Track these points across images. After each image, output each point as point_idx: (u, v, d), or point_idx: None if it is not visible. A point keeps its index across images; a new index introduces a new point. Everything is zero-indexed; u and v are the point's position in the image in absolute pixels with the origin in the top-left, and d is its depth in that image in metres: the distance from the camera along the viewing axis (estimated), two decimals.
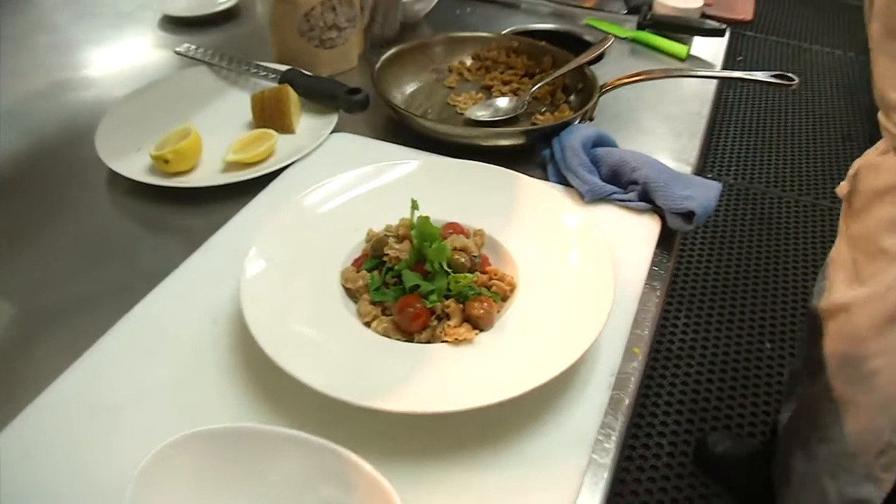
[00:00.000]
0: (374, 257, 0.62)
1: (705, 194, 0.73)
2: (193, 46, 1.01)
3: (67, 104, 0.96)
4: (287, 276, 0.60)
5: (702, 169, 0.90)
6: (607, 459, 0.54)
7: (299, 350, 0.53)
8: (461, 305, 0.57)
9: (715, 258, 2.11)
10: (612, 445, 0.55)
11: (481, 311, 0.56)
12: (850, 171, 0.97)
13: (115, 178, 0.79)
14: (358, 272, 0.61)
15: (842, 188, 0.98)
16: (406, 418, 0.50)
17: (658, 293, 0.69)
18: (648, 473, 1.50)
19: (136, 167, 0.79)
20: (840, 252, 0.97)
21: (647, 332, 0.65)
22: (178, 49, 1.01)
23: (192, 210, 0.77)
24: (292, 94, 0.86)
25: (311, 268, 0.61)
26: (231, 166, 0.80)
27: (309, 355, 0.53)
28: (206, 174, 0.80)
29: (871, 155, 0.95)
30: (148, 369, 0.58)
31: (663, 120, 0.96)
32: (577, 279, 0.61)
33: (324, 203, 0.67)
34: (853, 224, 0.93)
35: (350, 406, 0.49)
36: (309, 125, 0.87)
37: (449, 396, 0.50)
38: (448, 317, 0.57)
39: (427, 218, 0.58)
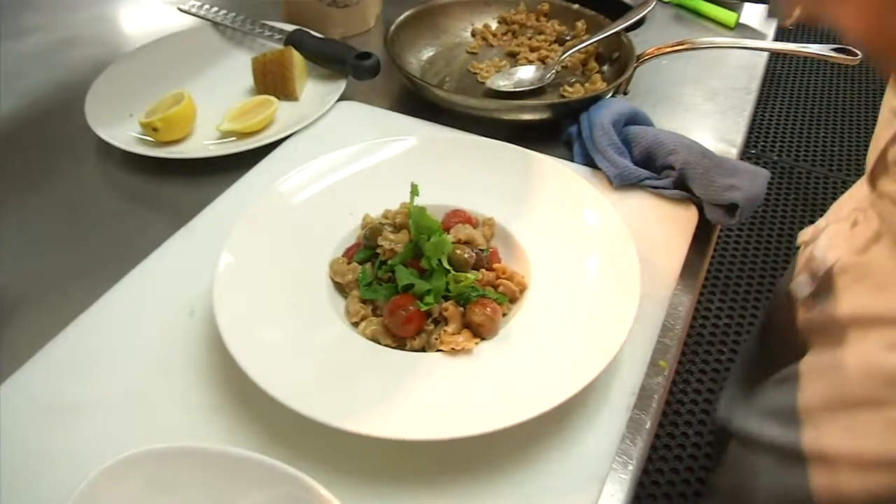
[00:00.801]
0: (368, 248, 0.54)
1: (752, 184, 0.63)
2: (198, 3, 0.93)
3: (66, 64, 0.89)
4: (268, 269, 0.52)
5: (744, 145, 0.79)
6: (622, 493, 0.46)
7: (274, 358, 0.46)
8: (461, 309, 0.49)
9: (754, 238, 1.98)
10: (628, 476, 0.47)
11: (483, 318, 0.48)
12: (818, 263, 0.64)
13: (104, 147, 0.72)
14: (349, 264, 0.54)
15: (800, 285, 0.67)
16: (389, 442, 0.43)
17: (690, 295, 0.60)
18: (672, 464, 1.42)
19: (125, 135, 0.72)
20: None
21: (675, 342, 0.56)
22: (181, 6, 0.93)
23: (182, 183, 0.70)
24: (297, 58, 0.78)
25: (296, 258, 0.54)
26: (227, 136, 0.73)
27: (284, 364, 0.46)
28: (199, 144, 0.72)
29: (846, 247, 0.62)
30: (112, 367, 0.51)
31: (707, 95, 0.85)
32: (597, 281, 0.52)
33: (314, 183, 0.59)
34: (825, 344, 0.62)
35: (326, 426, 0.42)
36: (314, 92, 0.79)
37: (439, 421, 0.43)
38: (446, 321, 0.49)
39: (423, 209, 0.50)
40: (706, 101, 0.84)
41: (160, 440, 0.46)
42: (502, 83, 0.80)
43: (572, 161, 0.70)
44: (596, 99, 0.74)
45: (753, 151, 2.30)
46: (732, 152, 0.76)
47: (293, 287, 0.52)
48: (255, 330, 0.48)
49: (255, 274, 0.52)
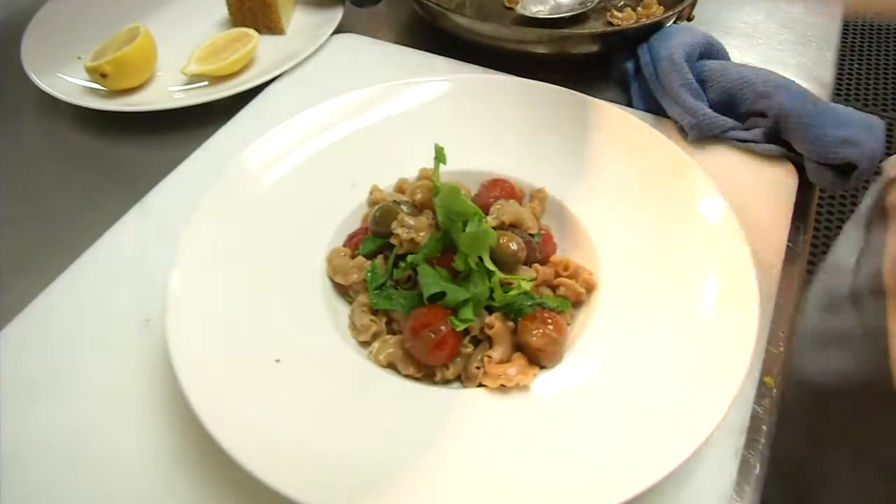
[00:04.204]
0: (378, 235, 0.38)
1: (868, 136, 0.47)
2: None
3: None
4: (242, 269, 0.37)
5: (835, 85, 0.63)
6: None
7: (247, 410, 0.32)
8: (511, 324, 0.35)
9: (848, 204, 1.53)
10: None
11: (543, 340, 0.33)
12: None
13: (46, 100, 0.56)
14: (353, 257, 0.38)
15: None
16: None
17: (795, 282, 0.45)
18: None
19: (71, 84, 0.56)
20: None
21: (782, 348, 0.42)
22: None
23: (141, 142, 0.54)
24: None
25: (281, 251, 0.39)
26: (195, 80, 0.56)
27: (266, 420, 0.31)
28: (162, 92, 0.56)
29: None
30: (39, 403, 0.37)
31: (783, 22, 0.67)
32: (691, 276, 0.37)
33: (303, 144, 0.43)
34: None
35: None
36: (303, 23, 0.62)
37: (488, 500, 0.29)
38: (489, 342, 0.34)
39: (455, 188, 0.34)
40: (783, 30, 0.66)
41: None
42: (537, 9, 0.62)
43: (630, 106, 0.54)
44: (655, 27, 0.57)
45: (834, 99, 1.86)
46: (821, 94, 0.60)
47: (275, 294, 0.36)
48: (226, 370, 0.33)
49: (224, 282, 0.36)
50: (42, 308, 0.41)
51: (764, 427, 0.38)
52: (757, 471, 0.36)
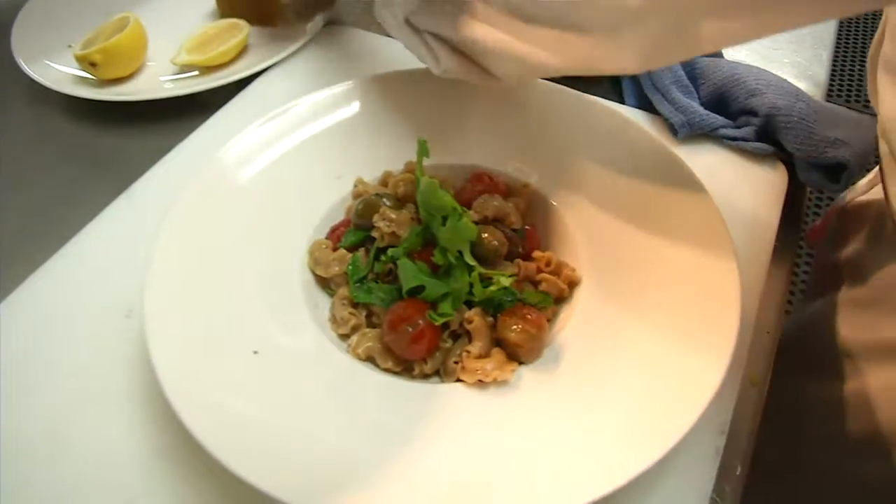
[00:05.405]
0: (360, 228, 0.38)
1: (859, 137, 0.47)
2: None
3: None
4: (223, 260, 0.37)
5: (829, 85, 0.62)
6: None
7: (225, 402, 0.31)
8: (491, 319, 0.34)
9: None
10: None
11: (522, 336, 0.33)
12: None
13: (36, 89, 0.55)
14: (335, 250, 0.38)
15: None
16: None
17: (781, 283, 0.45)
18: None
19: (61, 73, 0.56)
20: None
21: (766, 348, 0.41)
22: None
23: (129, 132, 0.54)
24: None
25: (263, 242, 0.38)
26: (185, 70, 0.56)
27: (240, 411, 0.31)
28: (150, 82, 0.56)
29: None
30: (17, 395, 0.36)
31: None
32: (676, 271, 0.37)
33: (288, 134, 0.43)
34: None
35: None
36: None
37: (462, 494, 0.28)
38: (468, 336, 0.34)
39: (434, 182, 0.34)
40: None
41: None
42: None
43: (621, 103, 0.53)
44: None
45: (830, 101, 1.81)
46: (815, 93, 0.59)
47: (256, 286, 0.36)
48: (203, 361, 0.33)
49: (204, 273, 0.36)
50: (24, 298, 0.41)
51: (746, 426, 0.38)
52: (738, 471, 0.36)
